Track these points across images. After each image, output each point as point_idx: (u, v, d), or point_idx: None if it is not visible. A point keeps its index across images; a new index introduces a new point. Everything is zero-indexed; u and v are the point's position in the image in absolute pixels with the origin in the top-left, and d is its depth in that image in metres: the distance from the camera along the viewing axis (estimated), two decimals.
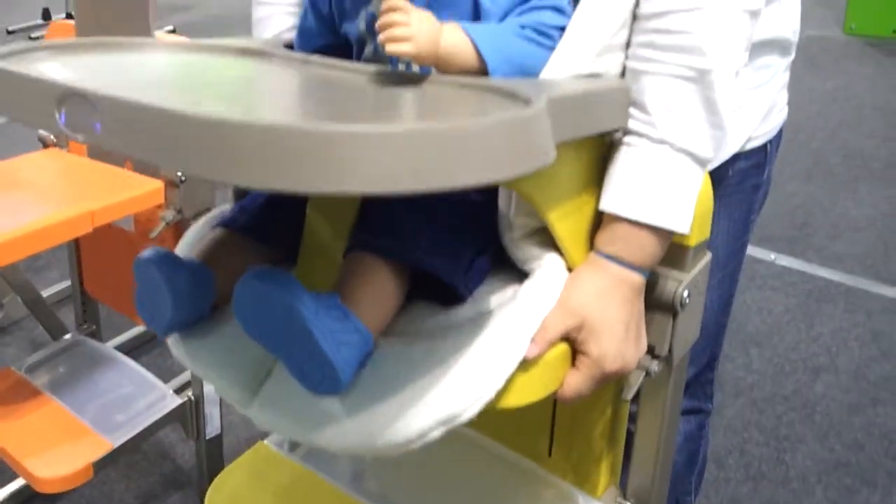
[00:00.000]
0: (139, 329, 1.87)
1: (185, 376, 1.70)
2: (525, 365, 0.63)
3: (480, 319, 0.64)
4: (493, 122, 0.47)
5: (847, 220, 2.41)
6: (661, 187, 0.67)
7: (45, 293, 1.89)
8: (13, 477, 1.51)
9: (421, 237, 0.66)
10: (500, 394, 0.61)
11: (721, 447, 1.59)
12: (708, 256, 0.78)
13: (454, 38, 0.63)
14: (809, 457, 1.55)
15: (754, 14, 0.68)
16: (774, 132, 0.95)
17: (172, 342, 0.70)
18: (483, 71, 0.63)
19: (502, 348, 0.62)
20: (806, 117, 3.10)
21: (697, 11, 0.65)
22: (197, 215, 1.26)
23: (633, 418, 0.89)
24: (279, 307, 0.57)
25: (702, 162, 0.68)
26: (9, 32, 4.75)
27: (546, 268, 0.68)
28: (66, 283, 2.10)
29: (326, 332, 0.57)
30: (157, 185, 1.26)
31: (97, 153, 1.39)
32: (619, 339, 0.68)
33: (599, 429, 0.88)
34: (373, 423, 0.59)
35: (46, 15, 4.80)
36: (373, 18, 0.69)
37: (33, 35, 4.60)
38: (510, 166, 0.48)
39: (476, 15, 0.68)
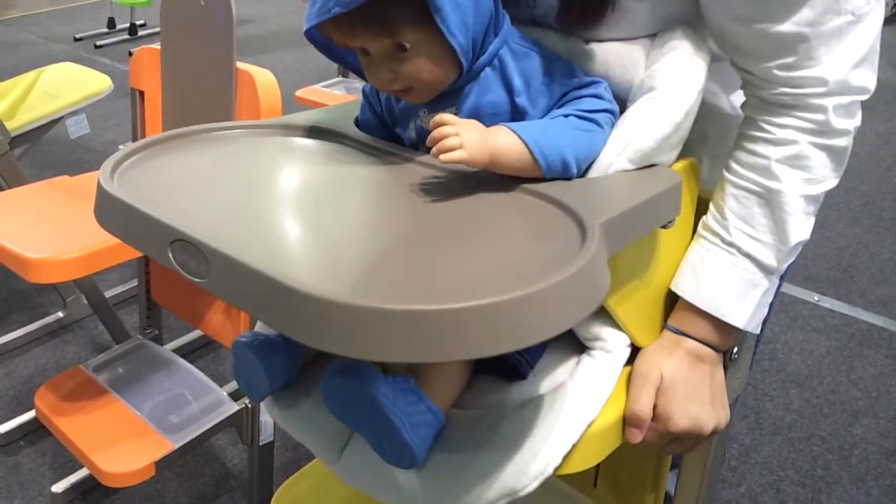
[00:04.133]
0: (195, 334, 1.95)
1: (236, 383, 1.77)
2: (581, 438, 0.69)
3: (540, 401, 0.70)
4: (558, 281, 0.50)
5: (894, 264, 2.41)
6: (724, 284, 0.74)
7: (106, 295, 1.98)
8: (73, 469, 1.60)
9: None
10: (559, 467, 0.68)
11: (756, 485, 1.61)
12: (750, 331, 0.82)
13: (503, 139, 0.66)
14: (844, 499, 1.57)
15: (831, 148, 0.73)
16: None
17: (267, 405, 0.78)
18: (535, 164, 0.67)
19: (560, 430, 0.68)
20: (856, 160, 3.08)
21: (777, 141, 0.73)
22: None
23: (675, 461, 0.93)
24: (361, 397, 0.65)
25: (766, 269, 0.75)
26: (76, 40, 4.94)
27: (607, 349, 0.74)
28: (125, 287, 2.20)
29: (402, 417, 0.65)
30: None
31: None
32: (685, 400, 0.73)
33: (644, 465, 0.93)
34: (443, 496, 0.66)
35: (111, 24, 4.98)
36: (421, 131, 0.74)
37: (98, 43, 4.77)
38: (577, 313, 0.52)
39: (517, 120, 0.71)
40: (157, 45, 1.49)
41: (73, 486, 1.57)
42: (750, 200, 0.74)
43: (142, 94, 1.56)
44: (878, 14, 0.70)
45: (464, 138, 0.64)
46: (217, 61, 1.34)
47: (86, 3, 5.89)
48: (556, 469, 0.66)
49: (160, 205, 0.60)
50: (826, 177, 0.74)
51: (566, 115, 0.70)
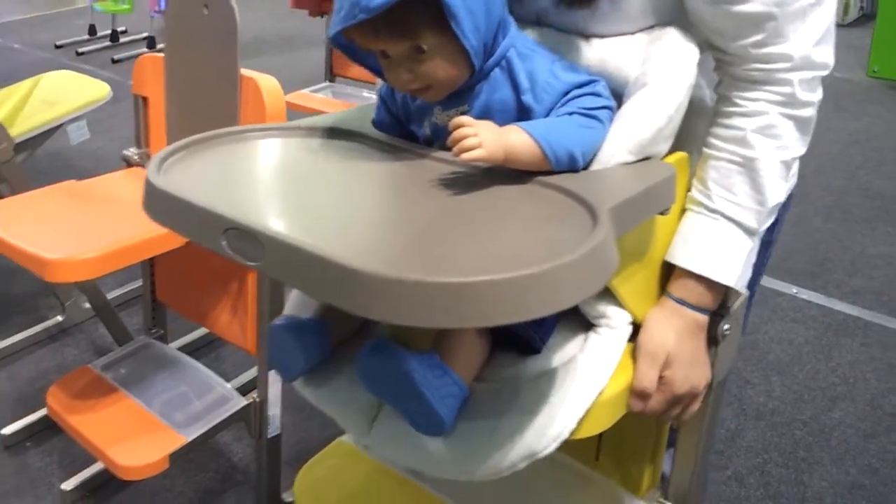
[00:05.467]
0: (197, 333, 2.00)
1: (240, 379, 1.82)
2: (594, 404, 0.75)
3: (554, 372, 0.77)
4: (577, 258, 0.57)
5: (865, 257, 2.51)
6: (713, 247, 0.82)
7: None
8: (81, 467, 1.63)
9: None
10: (574, 431, 0.75)
11: (742, 467, 1.68)
12: (745, 294, 0.89)
13: (516, 138, 0.74)
14: (826, 479, 1.65)
15: (798, 118, 0.81)
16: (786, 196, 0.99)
17: (299, 385, 0.84)
18: (545, 159, 0.74)
19: (574, 397, 0.75)
20: (828, 158, 3.20)
21: (750, 113, 0.81)
22: None
23: (674, 428, 1.00)
24: (395, 374, 0.71)
25: (748, 231, 0.83)
26: (57, 47, 4.94)
27: (611, 326, 0.80)
28: (124, 289, 2.24)
29: (432, 389, 0.71)
30: None
31: None
32: (685, 367, 0.81)
33: (643, 438, 0.99)
34: (470, 460, 0.73)
35: (93, 31, 4.99)
36: (436, 127, 0.82)
37: (80, 50, 4.78)
38: (590, 287, 0.59)
39: (523, 115, 0.78)
40: (160, 53, 1.53)
41: (83, 484, 1.60)
42: (729, 170, 0.82)
43: (145, 100, 1.60)
44: None
45: (481, 138, 0.72)
46: (221, 68, 1.40)
47: (65, 10, 5.87)
48: (572, 433, 0.73)
49: (209, 197, 0.66)
50: (794, 144, 0.83)
51: (570, 113, 0.77)
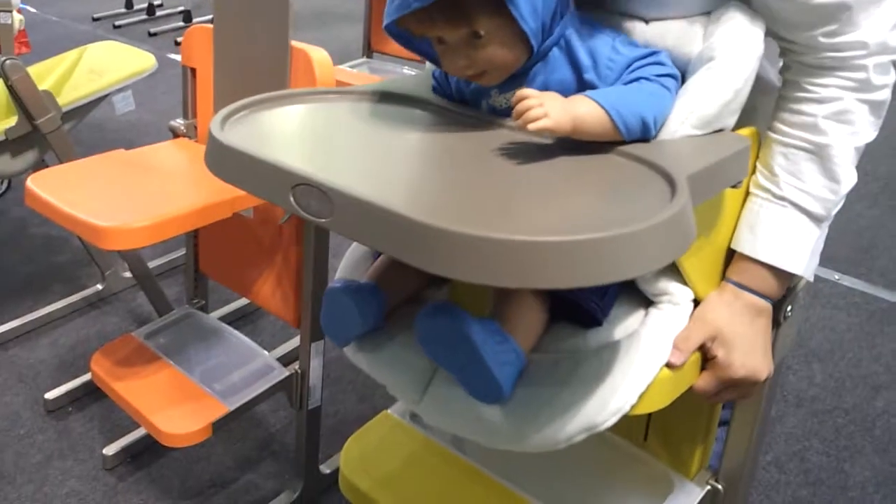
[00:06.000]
0: (235, 305, 2.01)
1: (278, 351, 1.83)
2: (655, 380, 0.74)
3: (616, 345, 0.76)
4: (660, 222, 0.56)
5: None
6: (780, 235, 0.80)
7: None
8: (122, 433, 1.66)
9: None
10: (635, 405, 0.73)
11: (782, 453, 1.67)
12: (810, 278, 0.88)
13: (584, 107, 0.72)
14: (868, 468, 1.62)
15: (872, 102, 0.79)
16: None
17: (351, 351, 0.83)
18: (615, 128, 0.72)
19: (636, 371, 0.73)
20: (873, 144, 3.10)
21: (822, 99, 0.78)
22: None
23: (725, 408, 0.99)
24: (454, 336, 0.70)
25: (817, 219, 0.81)
26: (94, 20, 4.97)
27: (674, 301, 0.79)
28: (162, 260, 2.26)
29: (492, 355, 0.70)
30: None
31: None
32: (743, 352, 0.80)
33: (694, 419, 0.98)
34: (526, 429, 0.71)
35: (129, 4, 5.00)
36: (493, 110, 0.80)
37: (117, 23, 4.80)
38: (671, 253, 0.58)
39: (583, 90, 0.76)
40: (209, 24, 1.53)
41: (124, 449, 1.63)
42: (798, 156, 0.80)
43: (193, 71, 1.60)
44: None
45: (547, 108, 0.70)
46: (272, 39, 1.39)
47: None
48: (633, 407, 0.72)
49: (275, 153, 0.65)
50: (867, 129, 0.81)
51: (638, 79, 0.75)
